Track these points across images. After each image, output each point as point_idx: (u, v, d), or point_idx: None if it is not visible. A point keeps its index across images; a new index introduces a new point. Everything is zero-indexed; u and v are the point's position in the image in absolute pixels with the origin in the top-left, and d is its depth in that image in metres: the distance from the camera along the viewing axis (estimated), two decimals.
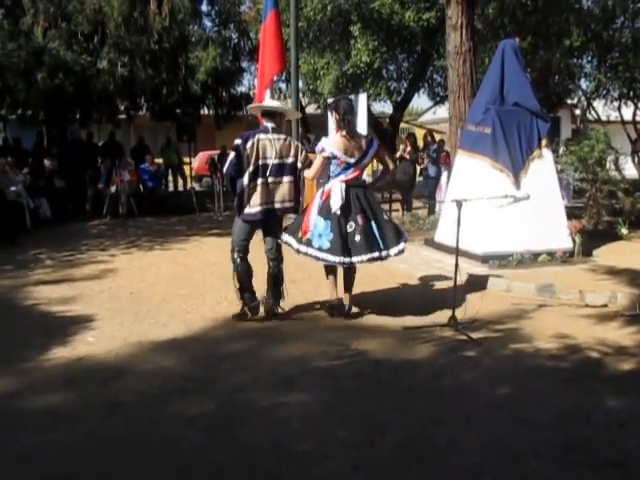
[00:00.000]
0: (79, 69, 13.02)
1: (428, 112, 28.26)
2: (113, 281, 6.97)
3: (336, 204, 5.02)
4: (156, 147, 17.52)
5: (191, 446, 3.14)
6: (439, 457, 3.01)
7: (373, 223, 5.12)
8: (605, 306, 5.57)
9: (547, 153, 7.59)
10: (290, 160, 5.13)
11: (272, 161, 5.05)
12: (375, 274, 6.97)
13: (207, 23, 16.05)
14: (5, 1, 13.53)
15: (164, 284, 6.78)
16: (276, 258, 5.26)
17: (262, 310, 5.28)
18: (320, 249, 5.00)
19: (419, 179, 13.33)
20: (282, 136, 5.18)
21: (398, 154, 13.07)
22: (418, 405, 3.59)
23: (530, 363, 4.25)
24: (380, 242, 5.10)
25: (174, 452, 3.09)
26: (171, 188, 17.36)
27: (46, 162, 12.88)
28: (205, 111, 17.10)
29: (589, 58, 15.40)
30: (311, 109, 19.18)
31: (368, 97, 12.73)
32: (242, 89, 17.35)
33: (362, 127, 10.50)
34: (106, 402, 3.67)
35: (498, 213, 6.84)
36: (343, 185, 5.10)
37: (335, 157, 5.13)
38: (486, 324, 5.08)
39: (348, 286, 5.38)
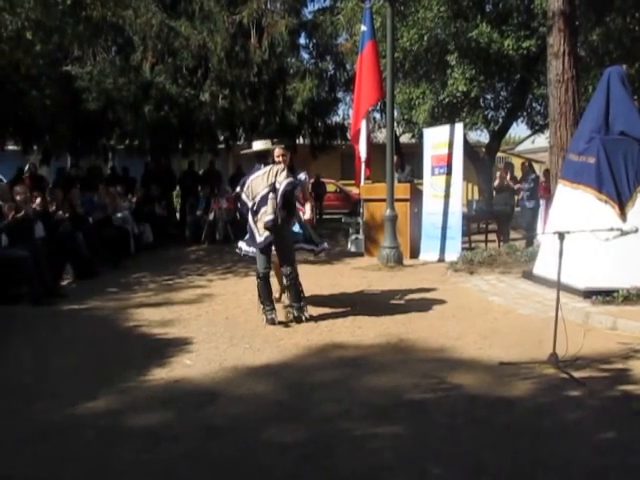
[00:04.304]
0: (183, 102, 13.67)
1: (526, 141, 27.65)
2: (210, 306, 7.17)
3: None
4: None
5: (283, 474, 3.14)
6: None
7: None
8: None
9: None
10: (276, 183, 5.99)
11: (262, 191, 5.99)
12: (471, 306, 6.82)
13: (305, 55, 16.49)
14: (117, 39, 14.46)
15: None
16: (289, 274, 6.22)
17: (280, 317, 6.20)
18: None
19: (516, 209, 12.98)
20: (270, 166, 6.15)
21: (496, 183, 12.79)
22: (517, 445, 3.44)
23: (639, 407, 4.00)
24: None
25: (267, 479, 3.10)
26: None
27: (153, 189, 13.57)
28: (301, 140, 17.44)
29: None
30: (405, 138, 19.15)
31: (464, 126, 12.57)
32: (337, 119, 17.65)
33: (458, 157, 10.39)
34: (202, 425, 3.75)
35: (602, 246, 6.52)
36: None
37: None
38: (590, 363, 4.81)
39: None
